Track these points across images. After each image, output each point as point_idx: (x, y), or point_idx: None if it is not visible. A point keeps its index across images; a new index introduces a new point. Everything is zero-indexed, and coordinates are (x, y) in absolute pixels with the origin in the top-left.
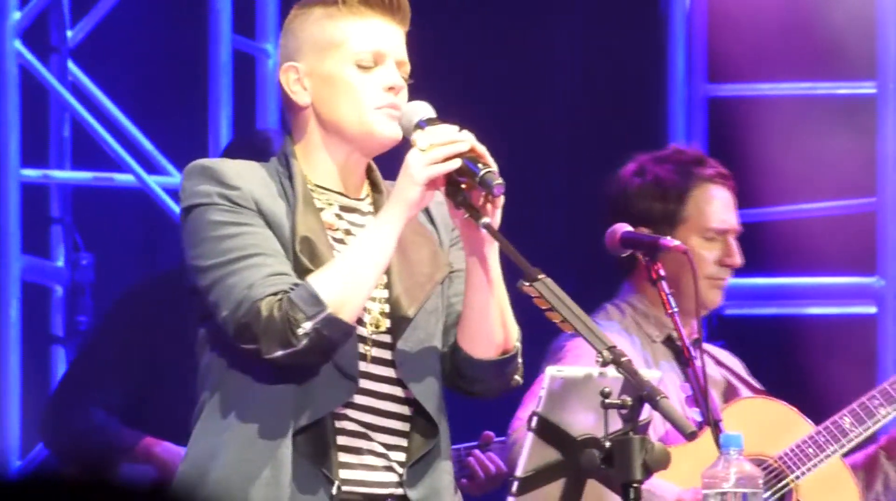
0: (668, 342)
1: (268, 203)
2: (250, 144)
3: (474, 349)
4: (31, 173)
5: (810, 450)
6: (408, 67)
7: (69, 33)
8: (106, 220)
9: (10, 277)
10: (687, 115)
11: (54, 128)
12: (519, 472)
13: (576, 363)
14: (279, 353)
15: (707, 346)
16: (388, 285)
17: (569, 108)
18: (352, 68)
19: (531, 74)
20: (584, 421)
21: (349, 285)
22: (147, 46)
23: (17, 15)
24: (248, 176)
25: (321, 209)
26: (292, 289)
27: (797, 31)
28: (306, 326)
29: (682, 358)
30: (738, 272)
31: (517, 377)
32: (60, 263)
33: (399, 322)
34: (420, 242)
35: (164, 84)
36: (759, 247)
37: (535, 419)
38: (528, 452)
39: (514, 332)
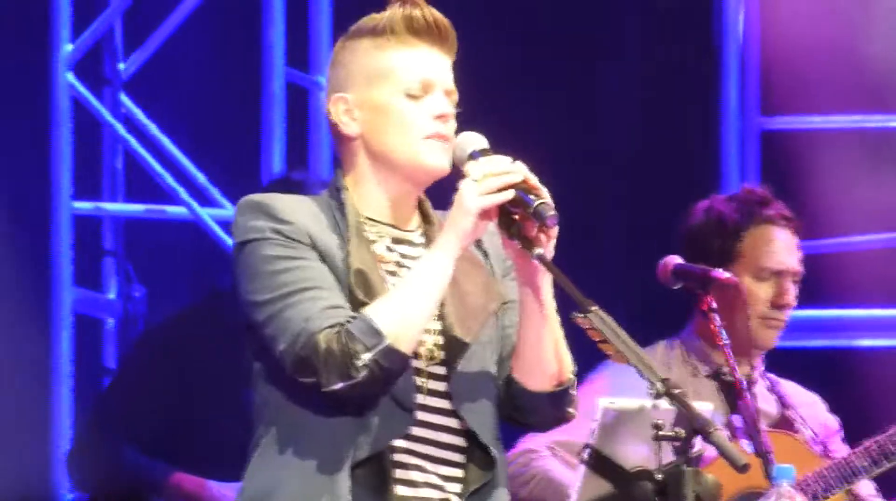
0: (715, 376)
1: (321, 237)
2: (286, 188)
3: (529, 380)
4: (83, 206)
5: (817, 487)
6: (456, 96)
7: (122, 66)
8: (158, 252)
9: (62, 309)
10: (740, 147)
11: (107, 160)
12: None
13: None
14: (339, 385)
15: (782, 381)
16: (441, 317)
17: (623, 141)
18: (401, 97)
19: (586, 106)
20: (637, 454)
21: (406, 316)
22: (200, 78)
23: (69, 47)
24: (300, 210)
25: (373, 242)
26: (350, 321)
27: (850, 63)
28: (365, 357)
29: (730, 392)
30: None
31: (571, 410)
32: (113, 295)
33: (454, 353)
34: (473, 272)
35: (217, 116)
36: (812, 279)
37: (587, 451)
38: (582, 484)
39: (569, 364)
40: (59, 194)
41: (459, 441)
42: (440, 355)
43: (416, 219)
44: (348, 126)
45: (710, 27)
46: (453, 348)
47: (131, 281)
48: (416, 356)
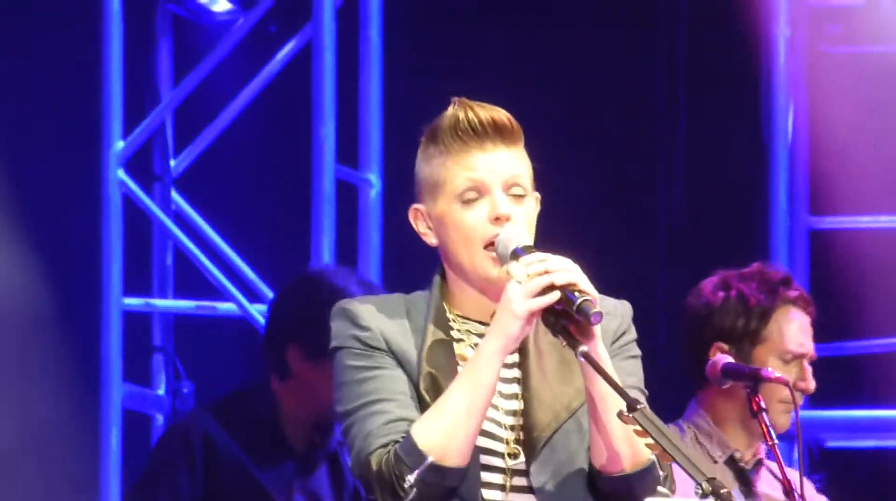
0: (731, 462)
1: (398, 341)
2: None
3: (604, 464)
4: (133, 302)
5: None
6: (523, 182)
7: (172, 162)
8: (207, 348)
9: (111, 405)
10: (789, 246)
11: (157, 256)
12: None
13: None
14: None
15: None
16: (524, 413)
17: (671, 238)
18: (456, 206)
19: (633, 205)
20: None
21: (451, 430)
22: (250, 175)
23: (120, 144)
24: (383, 313)
25: (459, 340)
26: (402, 439)
27: None
28: (410, 478)
29: (744, 478)
30: (840, 404)
31: (663, 489)
32: (161, 391)
33: (533, 449)
34: (557, 358)
35: (267, 212)
36: (861, 379)
37: None
38: None
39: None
40: (109, 289)
41: None
42: (521, 452)
43: None
44: (427, 236)
45: (760, 125)
46: (532, 444)
47: (180, 377)
48: (497, 455)
